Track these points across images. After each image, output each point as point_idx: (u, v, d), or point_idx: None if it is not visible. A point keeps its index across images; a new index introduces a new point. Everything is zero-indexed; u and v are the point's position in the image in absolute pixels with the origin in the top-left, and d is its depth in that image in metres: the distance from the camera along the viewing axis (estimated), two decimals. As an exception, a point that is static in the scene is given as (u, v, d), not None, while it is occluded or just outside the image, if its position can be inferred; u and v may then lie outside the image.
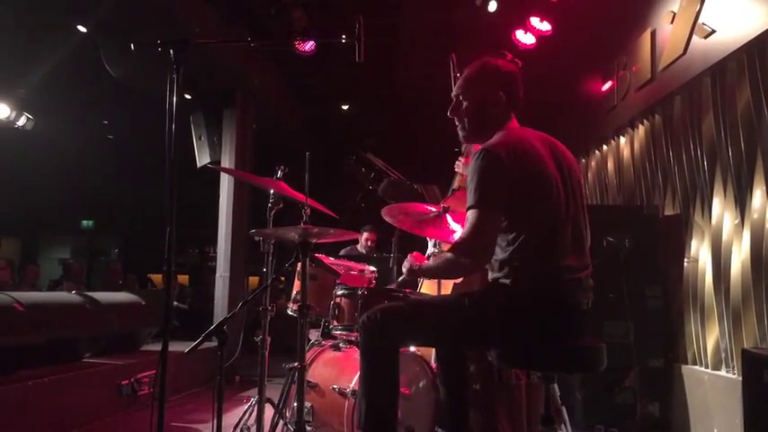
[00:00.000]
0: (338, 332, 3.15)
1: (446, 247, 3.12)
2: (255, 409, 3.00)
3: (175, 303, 8.47)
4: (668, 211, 4.33)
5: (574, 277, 2.14)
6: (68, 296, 4.70)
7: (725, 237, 3.61)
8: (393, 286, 3.35)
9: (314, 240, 2.65)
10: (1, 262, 6.91)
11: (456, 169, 3.83)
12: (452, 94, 2.41)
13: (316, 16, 5.65)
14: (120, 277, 8.83)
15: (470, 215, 2.09)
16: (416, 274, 2.44)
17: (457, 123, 2.41)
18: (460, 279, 3.58)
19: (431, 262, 2.44)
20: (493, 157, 2.10)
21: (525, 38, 5.34)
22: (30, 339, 3.84)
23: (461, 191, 3.39)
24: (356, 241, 6.32)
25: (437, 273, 2.64)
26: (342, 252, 5.98)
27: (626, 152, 5.18)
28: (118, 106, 7.74)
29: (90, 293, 4.72)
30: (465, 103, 2.36)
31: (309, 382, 2.99)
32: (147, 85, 5.50)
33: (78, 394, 3.85)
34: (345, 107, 9.01)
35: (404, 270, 2.48)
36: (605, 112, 5.45)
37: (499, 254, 2.16)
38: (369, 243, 6.28)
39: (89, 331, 4.44)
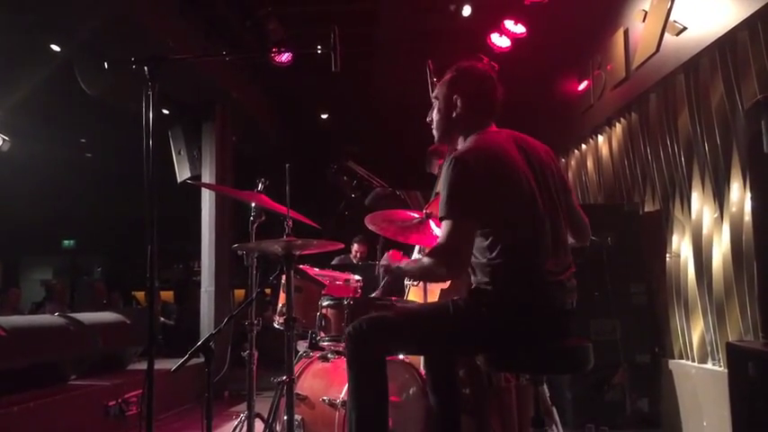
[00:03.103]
0: (326, 343, 3.13)
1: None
2: (245, 424, 2.98)
3: (162, 320, 8.39)
4: (648, 208, 4.38)
5: (556, 279, 2.14)
6: (51, 318, 4.64)
7: (705, 231, 3.66)
8: (378, 293, 3.32)
9: (297, 252, 2.63)
10: (-19, 287, 6.82)
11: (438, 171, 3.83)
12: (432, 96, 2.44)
13: (292, 27, 5.65)
14: (104, 296, 8.71)
15: (444, 225, 2.09)
16: (393, 273, 2.44)
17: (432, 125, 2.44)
18: (448, 285, 3.58)
19: (408, 265, 2.43)
20: (462, 164, 2.11)
21: (500, 41, 5.38)
22: (13, 364, 3.78)
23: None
24: (350, 249, 6.29)
25: (413, 276, 2.65)
26: (335, 260, 5.95)
27: (604, 151, 5.23)
28: (95, 124, 7.67)
29: (73, 314, 4.66)
30: (437, 105, 2.38)
31: (299, 394, 2.96)
32: (124, 102, 5.45)
33: (65, 418, 3.79)
34: (325, 116, 9.01)
35: (381, 268, 2.48)
36: (582, 112, 5.50)
37: (479, 259, 2.15)
38: (358, 255, 6.26)
39: (74, 353, 4.38)
